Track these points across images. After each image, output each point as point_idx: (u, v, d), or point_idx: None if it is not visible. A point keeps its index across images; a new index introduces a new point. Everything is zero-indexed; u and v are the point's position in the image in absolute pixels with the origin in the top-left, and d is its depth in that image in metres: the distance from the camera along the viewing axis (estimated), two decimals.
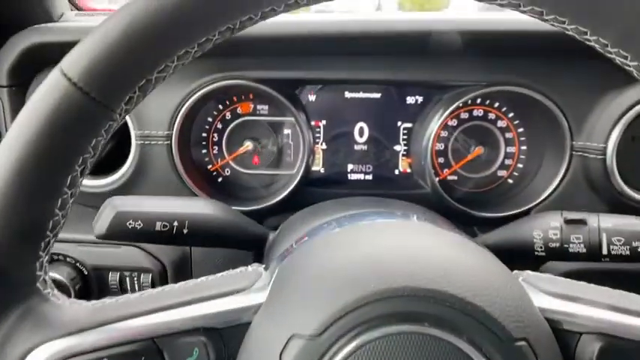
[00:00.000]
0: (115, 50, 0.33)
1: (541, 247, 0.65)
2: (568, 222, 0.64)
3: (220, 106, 0.92)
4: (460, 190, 0.94)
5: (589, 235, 0.63)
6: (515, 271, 0.46)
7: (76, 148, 0.34)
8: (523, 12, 0.36)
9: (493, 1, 0.37)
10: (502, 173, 0.93)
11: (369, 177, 0.96)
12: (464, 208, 0.85)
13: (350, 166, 0.96)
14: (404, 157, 0.95)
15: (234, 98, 0.92)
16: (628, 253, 0.61)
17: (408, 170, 0.95)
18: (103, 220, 0.62)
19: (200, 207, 0.66)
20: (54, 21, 0.89)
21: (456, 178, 0.94)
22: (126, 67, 0.34)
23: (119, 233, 0.62)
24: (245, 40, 0.81)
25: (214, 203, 0.69)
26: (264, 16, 0.36)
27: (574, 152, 0.80)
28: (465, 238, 0.49)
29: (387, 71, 0.86)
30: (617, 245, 0.61)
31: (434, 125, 0.85)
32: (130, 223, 0.62)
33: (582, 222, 0.64)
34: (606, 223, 0.63)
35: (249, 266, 0.45)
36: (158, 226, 0.63)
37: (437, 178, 0.91)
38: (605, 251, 0.62)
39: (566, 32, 0.35)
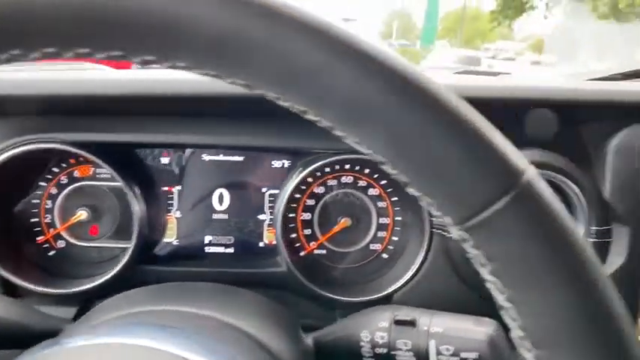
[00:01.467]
0: None
1: (369, 352, 0.54)
2: (397, 323, 0.53)
3: (56, 169, 0.80)
4: (332, 267, 0.83)
5: (418, 340, 0.51)
6: None
7: None
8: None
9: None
10: (376, 247, 0.82)
11: (230, 250, 0.84)
12: (320, 291, 0.74)
13: (208, 238, 0.84)
14: (270, 228, 0.84)
15: (72, 160, 0.80)
16: None
17: (275, 242, 0.84)
18: None
19: None
20: None
21: (324, 252, 0.83)
22: None
23: None
24: (63, 97, 0.71)
25: None
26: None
27: (433, 230, 0.69)
28: None
29: (236, 136, 0.75)
30: (444, 356, 0.49)
31: (284, 193, 0.75)
32: None
33: (411, 323, 0.52)
34: (437, 327, 0.51)
35: None
36: None
37: (303, 253, 0.80)
38: None
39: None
